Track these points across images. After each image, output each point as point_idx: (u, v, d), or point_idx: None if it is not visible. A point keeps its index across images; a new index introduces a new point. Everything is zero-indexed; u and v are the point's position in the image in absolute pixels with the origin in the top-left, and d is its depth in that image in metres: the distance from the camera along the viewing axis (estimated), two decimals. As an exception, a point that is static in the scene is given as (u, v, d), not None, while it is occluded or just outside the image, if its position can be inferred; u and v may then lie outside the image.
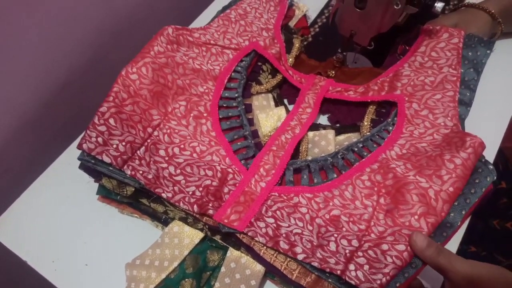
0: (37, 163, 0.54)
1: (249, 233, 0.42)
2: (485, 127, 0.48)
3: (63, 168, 0.54)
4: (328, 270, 0.39)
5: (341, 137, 0.53)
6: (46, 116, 0.58)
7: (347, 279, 0.38)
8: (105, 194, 0.49)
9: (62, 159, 0.55)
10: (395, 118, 0.50)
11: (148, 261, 0.45)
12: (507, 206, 0.73)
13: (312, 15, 0.67)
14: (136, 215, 0.50)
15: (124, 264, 0.45)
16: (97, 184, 0.50)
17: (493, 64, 0.53)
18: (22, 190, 0.53)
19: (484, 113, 0.51)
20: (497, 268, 0.35)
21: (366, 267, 0.38)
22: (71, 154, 0.55)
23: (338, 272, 0.38)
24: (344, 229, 0.41)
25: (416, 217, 0.40)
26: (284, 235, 0.42)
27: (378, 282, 0.38)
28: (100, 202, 0.51)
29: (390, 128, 0.49)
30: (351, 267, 0.39)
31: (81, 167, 0.48)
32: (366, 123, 0.52)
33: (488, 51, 0.52)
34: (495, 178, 0.43)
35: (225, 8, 0.61)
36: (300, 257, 0.40)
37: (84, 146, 0.45)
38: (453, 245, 0.44)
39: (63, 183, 0.53)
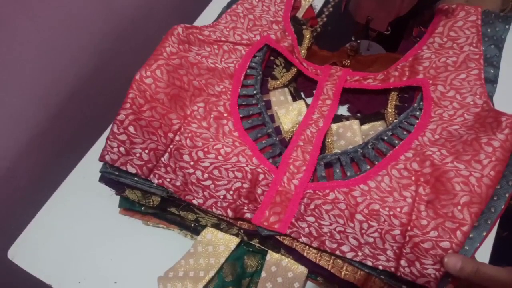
0: (50, 179, 0.51)
1: (292, 235, 0.40)
2: (508, 103, 0.47)
3: (78, 182, 0.52)
4: (380, 267, 0.37)
5: (366, 126, 0.51)
6: (55, 128, 0.55)
7: (402, 275, 0.36)
8: (128, 207, 0.47)
9: (76, 172, 0.53)
10: (421, 103, 0.48)
11: (182, 272, 0.43)
12: None
13: (318, 5, 0.65)
14: (162, 226, 0.47)
15: (156, 278, 0.43)
16: (116, 198, 0.48)
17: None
18: (38, 208, 0.50)
19: (509, 89, 0.50)
20: None
21: (417, 263, 0.37)
22: (85, 167, 0.53)
23: (392, 269, 0.37)
24: (386, 223, 0.40)
25: (459, 207, 0.38)
26: (328, 234, 0.40)
27: (433, 276, 0.36)
28: (122, 216, 0.48)
29: (418, 113, 0.48)
30: (403, 263, 0.37)
31: (102, 179, 0.45)
32: (390, 110, 0.50)
33: (507, 26, 0.51)
34: (534, 156, 0.42)
35: (230, 4, 0.59)
36: (349, 255, 0.38)
37: (107, 157, 0.42)
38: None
39: (80, 198, 0.51)
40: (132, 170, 0.42)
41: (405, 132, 0.46)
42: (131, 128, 0.43)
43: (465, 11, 0.52)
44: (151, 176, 0.43)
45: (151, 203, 0.44)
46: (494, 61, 0.49)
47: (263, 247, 0.42)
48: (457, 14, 0.52)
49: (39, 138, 0.53)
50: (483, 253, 0.43)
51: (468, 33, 0.51)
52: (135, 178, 0.43)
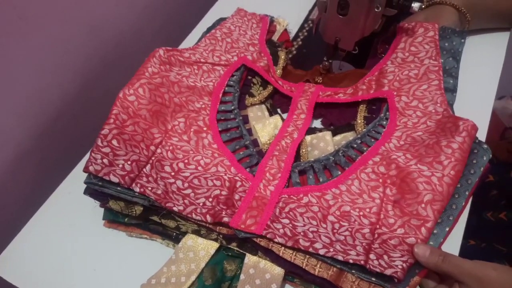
0: (36, 195, 0.53)
1: (268, 235, 0.42)
2: (470, 112, 0.50)
3: (63, 197, 0.54)
4: (351, 261, 0.39)
5: (338, 137, 0.54)
6: (41, 147, 0.57)
7: (371, 267, 0.39)
8: (112, 218, 0.49)
9: (62, 189, 0.55)
10: (387, 113, 0.52)
11: (164, 279, 0.44)
12: (498, 198, 0.75)
13: (293, 29, 0.70)
14: (145, 236, 0.49)
15: (139, 286, 0.44)
16: (101, 211, 0.50)
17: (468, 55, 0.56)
18: (23, 224, 0.51)
19: (468, 99, 0.54)
20: (507, 269, 0.36)
21: (385, 256, 0.39)
22: (70, 183, 0.55)
23: (362, 262, 0.39)
24: (356, 223, 0.42)
25: (422, 205, 0.41)
26: (302, 233, 0.42)
27: (400, 267, 0.38)
28: (106, 228, 0.50)
29: (384, 122, 0.51)
30: (372, 256, 0.39)
31: (87, 191, 0.47)
32: (359, 121, 0.54)
33: (462, 40, 0.56)
34: (490, 156, 0.45)
35: (209, 29, 0.64)
36: (321, 252, 0.40)
37: (91, 168, 0.45)
38: (456, 239, 0.46)
39: (65, 213, 0.52)
40: (114, 179, 0.45)
41: (373, 140, 0.50)
42: (114, 142, 0.46)
43: (424, 28, 0.57)
44: (133, 185, 0.45)
45: (134, 212, 0.46)
46: (452, 72, 0.54)
47: (241, 251, 0.44)
48: (417, 31, 0.57)
49: (25, 156, 0.55)
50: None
51: (428, 48, 0.55)
52: (118, 188, 0.45)
